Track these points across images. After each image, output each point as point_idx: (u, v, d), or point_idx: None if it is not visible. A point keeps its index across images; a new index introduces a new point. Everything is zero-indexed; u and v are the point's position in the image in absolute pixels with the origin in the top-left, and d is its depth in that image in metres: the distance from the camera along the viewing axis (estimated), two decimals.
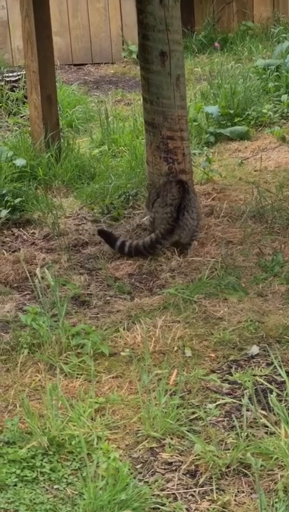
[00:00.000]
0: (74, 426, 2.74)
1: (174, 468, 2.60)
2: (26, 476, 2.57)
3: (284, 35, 8.63)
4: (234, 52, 9.00)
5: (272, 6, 9.82)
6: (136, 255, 4.10)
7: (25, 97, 6.48)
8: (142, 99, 5.10)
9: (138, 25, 4.91)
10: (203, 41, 9.56)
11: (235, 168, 5.59)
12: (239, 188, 5.10)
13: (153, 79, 4.87)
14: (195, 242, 4.22)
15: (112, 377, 3.08)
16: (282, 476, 2.49)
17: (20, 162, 5.26)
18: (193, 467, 2.60)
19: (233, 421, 2.75)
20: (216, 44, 9.30)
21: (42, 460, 2.63)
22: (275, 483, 2.48)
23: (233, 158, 5.85)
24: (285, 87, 6.91)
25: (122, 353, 3.22)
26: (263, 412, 2.77)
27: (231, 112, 6.45)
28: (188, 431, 2.72)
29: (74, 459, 2.64)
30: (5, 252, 4.31)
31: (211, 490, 2.49)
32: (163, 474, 2.58)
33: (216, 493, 2.48)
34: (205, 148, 6.01)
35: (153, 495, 2.48)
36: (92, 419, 2.80)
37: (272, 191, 4.90)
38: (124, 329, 3.39)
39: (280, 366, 2.90)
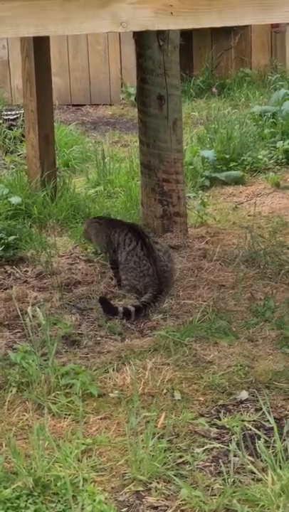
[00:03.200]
0: (60, 467, 2.72)
1: None
2: None
3: (281, 82, 8.74)
4: (231, 98, 9.10)
5: (270, 54, 9.96)
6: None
7: (23, 136, 6.52)
8: (138, 141, 5.15)
9: (137, 69, 4.98)
10: (201, 86, 9.66)
11: (230, 213, 5.62)
12: (233, 233, 5.13)
13: (150, 122, 4.92)
14: None
15: (100, 419, 3.06)
16: None
17: (15, 200, 5.29)
18: None
19: (221, 466, 2.74)
20: (214, 89, 9.40)
21: (26, 501, 2.60)
22: None
23: (228, 202, 5.89)
24: (281, 133, 6.97)
25: (111, 395, 3.20)
26: (251, 458, 2.75)
27: (227, 156, 6.50)
28: (175, 475, 2.70)
29: (59, 501, 2.61)
30: None
31: None
32: None
33: None
34: (200, 191, 6.05)
35: None
36: (78, 460, 2.78)
37: (265, 236, 4.92)
38: (113, 370, 3.38)
39: (269, 412, 2.89)
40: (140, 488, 2.68)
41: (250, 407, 3.14)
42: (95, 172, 6.33)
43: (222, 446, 2.88)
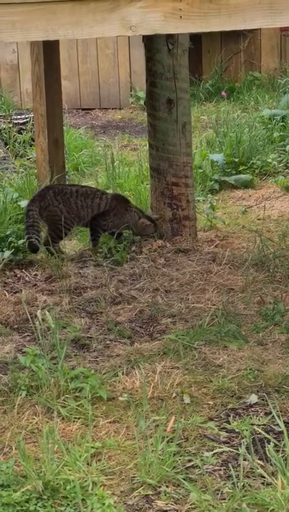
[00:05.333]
0: (69, 470, 2.72)
1: None
2: None
3: None
4: (241, 102, 9.10)
5: (279, 57, 9.96)
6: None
7: (33, 140, 6.54)
8: (148, 144, 5.15)
9: (146, 73, 4.98)
10: (211, 90, 9.67)
11: (239, 216, 5.62)
12: (242, 236, 5.12)
13: (159, 125, 4.92)
14: None
15: (110, 422, 3.06)
16: None
17: (25, 204, 5.29)
18: None
19: (230, 470, 2.73)
20: (223, 93, 9.41)
21: (36, 504, 2.60)
22: None
23: (237, 206, 5.89)
24: None
25: (120, 398, 3.20)
26: (260, 462, 2.75)
27: (236, 160, 6.50)
28: (184, 479, 2.70)
29: (68, 504, 2.61)
30: (6, 293, 4.31)
31: None
32: None
33: None
34: (209, 195, 6.05)
35: None
36: (88, 463, 2.78)
37: (274, 240, 4.92)
38: (123, 374, 3.38)
39: (279, 416, 2.89)
40: (149, 492, 2.68)
41: (259, 410, 3.14)
42: (105, 176, 6.34)
43: (231, 450, 2.88)
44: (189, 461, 2.82)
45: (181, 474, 2.73)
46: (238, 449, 2.83)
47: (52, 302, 4.17)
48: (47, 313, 3.48)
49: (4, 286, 4.43)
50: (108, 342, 3.77)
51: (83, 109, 9.76)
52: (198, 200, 5.76)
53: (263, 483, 2.65)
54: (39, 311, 3.66)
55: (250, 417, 3.08)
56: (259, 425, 3.02)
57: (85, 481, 2.68)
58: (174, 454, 2.80)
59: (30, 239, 4.66)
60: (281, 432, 2.87)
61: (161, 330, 3.87)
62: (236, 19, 3.01)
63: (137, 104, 9.56)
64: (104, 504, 2.51)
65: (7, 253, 4.72)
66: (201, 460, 2.80)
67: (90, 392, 3.18)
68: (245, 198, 6.06)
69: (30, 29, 3.11)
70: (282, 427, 2.78)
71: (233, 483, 2.64)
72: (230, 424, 3.05)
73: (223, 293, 4.18)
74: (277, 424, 2.94)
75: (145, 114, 5.29)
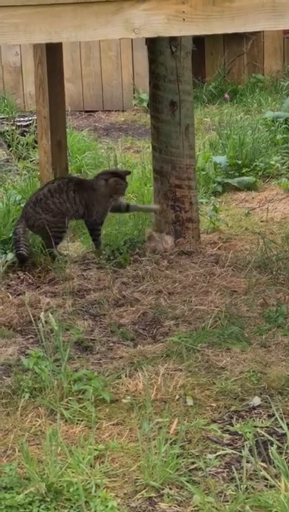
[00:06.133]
0: (73, 473, 2.72)
1: None
2: None
3: None
4: (243, 104, 9.10)
5: (282, 59, 9.96)
6: None
7: (36, 142, 6.54)
8: (151, 147, 5.16)
9: (149, 75, 4.98)
10: (214, 92, 9.67)
11: (242, 218, 5.62)
12: (245, 238, 5.12)
13: (162, 128, 4.92)
14: None
15: (113, 425, 3.07)
16: None
17: None
18: None
19: (233, 472, 2.73)
20: (226, 95, 9.42)
21: (39, 507, 2.60)
22: None
23: (240, 208, 5.89)
24: None
25: (124, 400, 3.20)
26: (263, 465, 2.75)
27: (239, 162, 6.50)
28: (187, 481, 2.70)
29: (71, 507, 2.61)
30: (10, 295, 4.31)
31: None
32: None
33: None
34: (212, 197, 6.05)
35: None
36: (91, 466, 2.78)
37: (277, 242, 4.91)
38: (126, 376, 3.38)
39: (282, 418, 2.89)
40: (153, 494, 2.68)
41: (262, 413, 3.14)
42: None
43: (234, 452, 2.88)
44: (192, 463, 2.82)
45: (184, 476, 2.73)
46: (241, 452, 2.83)
47: (55, 304, 4.17)
48: (50, 315, 3.48)
49: (7, 289, 4.44)
50: (111, 344, 3.77)
51: (86, 112, 9.76)
52: (202, 203, 5.76)
53: (266, 486, 2.65)
54: (42, 313, 3.66)
55: (253, 419, 3.08)
56: (262, 427, 3.02)
57: (88, 483, 2.69)
58: (177, 456, 2.80)
59: (19, 250, 4.66)
60: (284, 434, 2.87)
61: (164, 332, 3.87)
62: (239, 22, 3.01)
63: (140, 107, 9.56)
64: (107, 506, 2.51)
65: (10, 255, 4.72)
66: (204, 462, 2.80)
67: (93, 395, 3.18)
68: (248, 200, 6.06)
69: (33, 32, 3.12)
70: (285, 429, 2.78)
71: (236, 486, 2.64)
72: (233, 426, 3.05)
73: (226, 295, 4.18)
74: (281, 427, 2.94)
75: (148, 116, 5.29)
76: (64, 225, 4.81)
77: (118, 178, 4.88)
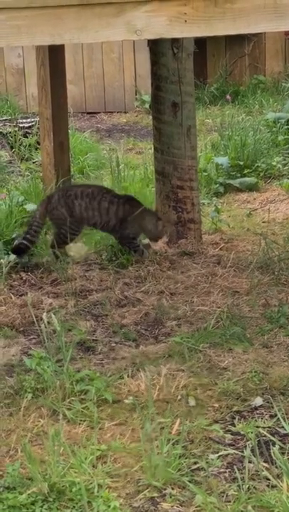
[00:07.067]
0: (75, 473, 2.73)
1: None
2: None
3: None
4: (245, 105, 9.11)
5: (284, 60, 9.97)
6: None
7: (38, 143, 6.56)
8: (153, 148, 5.16)
9: (151, 76, 4.99)
10: (215, 93, 9.69)
11: (244, 219, 5.63)
12: (247, 239, 5.13)
13: (164, 129, 4.93)
14: None
15: (115, 425, 3.07)
16: None
17: (30, 207, 5.31)
18: None
19: (235, 472, 2.74)
20: (228, 96, 9.42)
21: (42, 506, 2.61)
22: None
23: (242, 209, 5.89)
24: None
25: (126, 401, 3.21)
26: (265, 465, 2.75)
27: (241, 163, 6.51)
28: (189, 481, 2.71)
29: (74, 507, 2.62)
30: (12, 296, 4.32)
31: None
32: None
33: None
34: (214, 198, 6.06)
35: None
36: (93, 466, 2.79)
37: (279, 243, 4.92)
38: (128, 376, 3.39)
39: (284, 418, 2.89)
40: (155, 495, 2.68)
41: (264, 413, 3.14)
42: (110, 179, 6.35)
43: (237, 452, 2.88)
44: (195, 463, 2.82)
45: (186, 476, 2.74)
46: (243, 452, 2.84)
47: (57, 305, 4.18)
48: (52, 315, 3.49)
49: (10, 289, 4.44)
50: (113, 344, 3.78)
51: (88, 113, 9.78)
52: (203, 203, 5.76)
53: (268, 486, 2.65)
54: (45, 313, 3.67)
55: (255, 420, 3.08)
56: (264, 427, 3.02)
57: (91, 483, 2.69)
58: (180, 457, 2.81)
59: (20, 243, 4.68)
60: (286, 435, 2.87)
61: (167, 332, 3.88)
62: (241, 23, 3.02)
63: (142, 108, 9.57)
64: (109, 506, 2.52)
65: (13, 256, 4.73)
66: (207, 462, 2.81)
67: (95, 395, 3.19)
68: (249, 201, 6.06)
69: (35, 33, 3.13)
70: (288, 430, 2.78)
71: (239, 486, 2.65)
72: (235, 426, 3.05)
73: (228, 296, 4.19)
74: (283, 427, 2.94)
75: (150, 117, 5.31)
76: (78, 229, 4.80)
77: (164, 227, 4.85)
